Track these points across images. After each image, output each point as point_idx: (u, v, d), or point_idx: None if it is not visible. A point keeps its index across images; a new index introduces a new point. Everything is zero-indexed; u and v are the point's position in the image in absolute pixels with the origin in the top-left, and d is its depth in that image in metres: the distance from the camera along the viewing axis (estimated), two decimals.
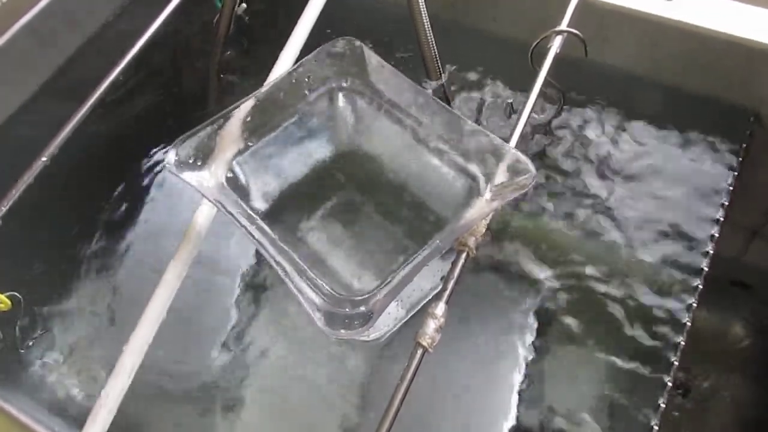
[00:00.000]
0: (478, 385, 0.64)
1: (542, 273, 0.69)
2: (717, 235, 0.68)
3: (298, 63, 0.61)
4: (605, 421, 0.61)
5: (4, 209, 0.63)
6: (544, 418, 0.62)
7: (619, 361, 0.63)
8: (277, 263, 0.49)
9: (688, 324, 0.63)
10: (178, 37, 0.92)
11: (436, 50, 0.76)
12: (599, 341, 0.65)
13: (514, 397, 0.62)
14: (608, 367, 0.63)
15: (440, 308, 0.50)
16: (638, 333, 0.65)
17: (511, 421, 0.62)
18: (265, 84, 0.62)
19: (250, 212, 0.53)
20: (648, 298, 0.66)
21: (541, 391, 0.63)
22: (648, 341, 0.64)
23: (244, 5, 0.90)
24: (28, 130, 0.79)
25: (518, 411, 0.62)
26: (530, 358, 0.64)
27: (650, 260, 0.69)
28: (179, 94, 0.89)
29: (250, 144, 0.59)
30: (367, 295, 0.47)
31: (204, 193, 0.54)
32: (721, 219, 0.69)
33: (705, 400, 0.79)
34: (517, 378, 0.63)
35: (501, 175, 0.53)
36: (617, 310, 0.66)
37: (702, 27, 0.74)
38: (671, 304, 0.65)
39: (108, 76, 0.70)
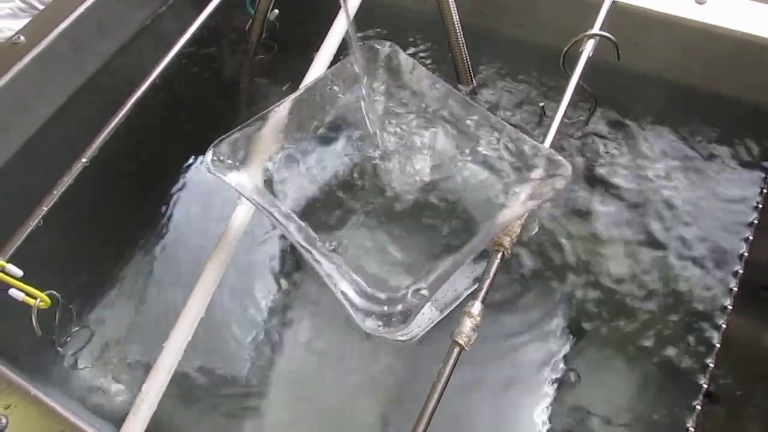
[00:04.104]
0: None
1: (575, 273, 0.69)
2: (751, 238, 0.68)
3: (333, 66, 0.62)
4: (639, 423, 0.61)
5: (45, 209, 0.65)
6: (578, 420, 0.62)
7: (653, 364, 0.63)
8: (317, 262, 0.49)
9: (723, 326, 0.63)
10: (212, 42, 0.93)
11: (467, 55, 0.77)
12: (633, 344, 0.65)
13: (548, 397, 0.63)
14: (642, 370, 0.63)
15: (476, 307, 0.50)
16: (673, 336, 0.64)
17: (544, 422, 0.62)
18: (300, 87, 0.63)
19: (288, 212, 0.54)
20: (682, 301, 0.66)
21: (574, 392, 0.63)
22: (682, 344, 0.64)
23: (276, 11, 0.91)
24: (67, 132, 0.81)
25: (551, 412, 0.62)
26: (564, 359, 0.64)
27: (683, 264, 0.68)
28: (215, 97, 0.91)
29: (286, 145, 0.60)
30: (404, 294, 0.48)
31: (242, 192, 0.55)
32: (756, 222, 0.69)
33: (736, 408, 0.78)
34: (551, 379, 0.63)
35: (536, 176, 0.54)
36: (651, 314, 0.66)
37: (733, 30, 0.73)
38: (706, 306, 0.65)
39: (146, 79, 0.72)
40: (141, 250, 0.77)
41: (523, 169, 0.55)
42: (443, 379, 0.48)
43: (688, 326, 0.65)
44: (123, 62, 0.88)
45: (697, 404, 0.59)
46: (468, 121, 0.59)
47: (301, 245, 0.51)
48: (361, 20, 0.72)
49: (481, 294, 0.51)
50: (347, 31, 0.58)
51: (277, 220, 0.52)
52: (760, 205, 0.70)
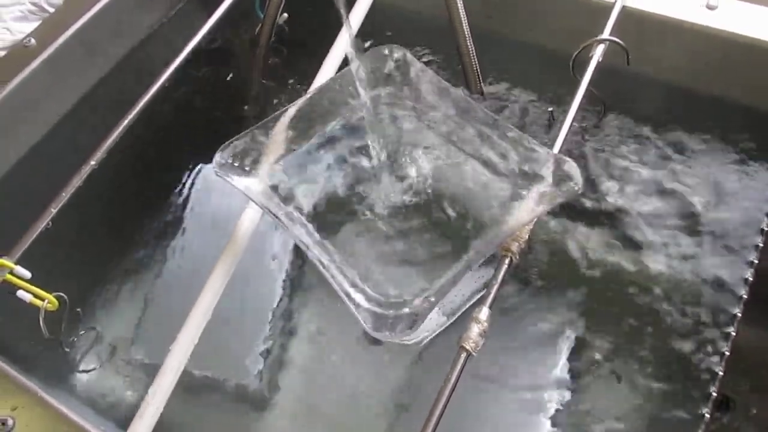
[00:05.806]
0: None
1: (584, 278, 0.69)
2: (762, 245, 0.67)
3: (342, 70, 0.62)
4: (647, 430, 0.60)
5: (54, 211, 0.65)
6: (584, 427, 0.61)
7: (662, 371, 0.63)
8: (323, 266, 0.49)
9: (733, 334, 0.62)
10: (221, 46, 0.94)
11: (476, 61, 0.77)
12: (642, 350, 0.64)
13: (554, 401, 0.62)
14: (652, 377, 0.63)
15: (484, 313, 0.50)
16: (682, 342, 0.64)
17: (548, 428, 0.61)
18: (309, 90, 0.63)
19: (296, 215, 0.54)
20: (692, 307, 0.66)
21: (580, 399, 0.63)
22: (692, 351, 0.63)
23: (285, 15, 0.92)
24: (76, 134, 0.82)
25: (558, 418, 0.62)
26: (571, 366, 0.64)
27: (693, 270, 0.68)
28: (224, 101, 0.91)
29: (294, 148, 0.60)
30: (411, 299, 0.47)
31: (250, 195, 0.55)
32: (766, 229, 0.68)
33: (745, 416, 0.77)
34: (558, 384, 0.63)
35: (546, 181, 0.53)
36: (660, 320, 0.66)
37: (745, 35, 0.73)
38: (716, 313, 0.65)
39: (155, 82, 0.71)
40: (149, 253, 0.77)
41: (532, 174, 0.55)
42: (450, 385, 0.47)
43: (697, 333, 0.64)
44: (132, 65, 0.89)
45: (706, 412, 0.59)
46: (476, 126, 0.58)
47: (308, 249, 0.51)
48: (369, 24, 0.72)
49: (489, 299, 0.51)
50: (352, 39, 0.58)
51: (284, 223, 0.52)
52: None
